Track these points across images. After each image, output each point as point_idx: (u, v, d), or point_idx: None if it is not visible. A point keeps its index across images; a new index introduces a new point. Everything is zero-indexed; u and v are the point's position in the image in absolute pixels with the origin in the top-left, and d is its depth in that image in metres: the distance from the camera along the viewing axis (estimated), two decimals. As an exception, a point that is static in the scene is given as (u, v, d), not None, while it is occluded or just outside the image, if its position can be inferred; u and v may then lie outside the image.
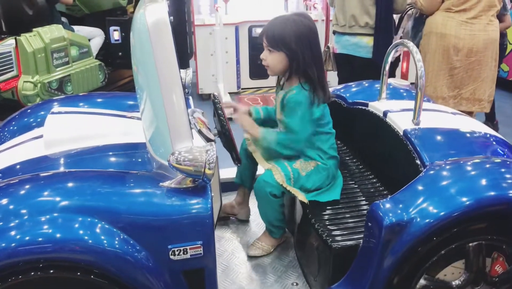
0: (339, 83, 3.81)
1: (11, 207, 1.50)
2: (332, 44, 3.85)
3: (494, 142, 2.06)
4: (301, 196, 2.04)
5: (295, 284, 2.04)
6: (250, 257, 2.17)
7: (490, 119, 4.47)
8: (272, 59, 2.03)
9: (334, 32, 3.81)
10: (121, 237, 1.50)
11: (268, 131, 2.08)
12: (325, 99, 2.06)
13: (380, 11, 3.53)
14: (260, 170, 2.27)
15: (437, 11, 3.42)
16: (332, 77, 4.58)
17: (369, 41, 3.61)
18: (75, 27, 5.06)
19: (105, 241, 1.47)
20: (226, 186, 2.51)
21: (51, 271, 1.47)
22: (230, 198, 2.49)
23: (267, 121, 2.27)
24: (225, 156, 2.17)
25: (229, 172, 2.51)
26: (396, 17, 4.04)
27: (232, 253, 2.21)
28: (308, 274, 2.05)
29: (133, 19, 1.80)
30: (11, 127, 2.30)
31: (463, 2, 3.31)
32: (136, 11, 1.77)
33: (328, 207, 2.07)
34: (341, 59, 3.79)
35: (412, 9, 4.02)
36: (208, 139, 1.83)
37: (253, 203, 2.42)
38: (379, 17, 3.54)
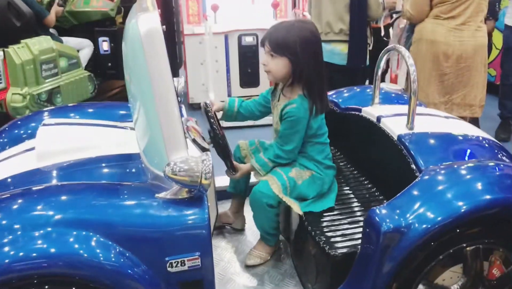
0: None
1: (3, 222, 1.47)
2: None
3: (488, 146, 2.08)
4: (296, 207, 2.03)
5: None
6: (247, 266, 2.15)
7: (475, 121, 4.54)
8: (275, 64, 2.00)
9: None
10: (117, 250, 1.48)
11: (258, 159, 2.09)
12: (322, 110, 2.05)
13: (354, 18, 3.57)
14: (254, 178, 2.25)
15: (426, 19, 3.46)
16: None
17: (343, 48, 3.65)
18: (64, 38, 5.03)
19: (100, 255, 1.45)
20: (221, 194, 2.49)
21: (46, 287, 1.44)
22: (225, 206, 2.47)
23: (242, 114, 2.26)
24: (220, 162, 2.17)
25: (223, 179, 2.49)
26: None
27: (229, 262, 2.19)
28: (306, 282, 2.03)
29: (125, 29, 1.80)
30: (1, 140, 2.27)
31: (451, 10, 3.35)
32: (127, 21, 1.76)
33: (324, 214, 2.06)
34: None
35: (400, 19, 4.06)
36: (202, 149, 1.81)
37: (248, 211, 2.40)
38: (353, 23, 3.58)
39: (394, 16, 4.59)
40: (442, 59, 3.40)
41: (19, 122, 2.40)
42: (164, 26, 1.63)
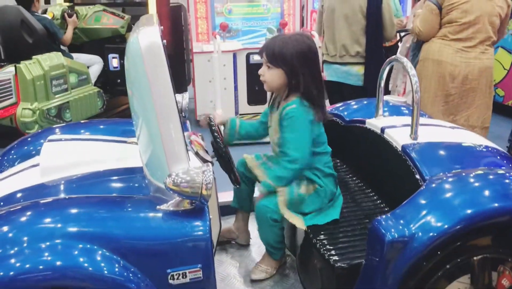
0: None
1: (9, 234, 1.48)
2: (322, 73, 3.91)
3: (493, 155, 2.06)
4: (299, 223, 2.02)
5: None
6: (253, 281, 2.14)
7: None
8: (270, 75, 2.03)
9: (324, 62, 3.85)
10: (120, 263, 1.48)
11: (265, 170, 2.04)
12: (321, 118, 2.05)
13: (370, 40, 3.58)
14: (257, 193, 2.25)
15: (433, 38, 3.47)
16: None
17: (359, 69, 3.65)
18: (74, 55, 5.11)
19: (104, 268, 1.45)
20: (225, 210, 2.48)
21: None
22: (230, 222, 2.46)
23: (244, 136, 2.26)
24: (223, 178, 2.17)
25: (227, 195, 2.49)
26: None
27: (234, 277, 2.17)
28: None
29: (126, 45, 1.82)
30: (11, 156, 2.29)
31: (459, 31, 3.36)
32: (129, 37, 1.79)
33: (329, 226, 2.05)
34: (331, 87, 3.82)
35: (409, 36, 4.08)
36: (205, 162, 1.82)
37: (252, 227, 2.40)
38: (370, 45, 3.59)
39: (402, 34, 4.62)
40: (448, 79, 3.41)
41: (28, 139, 2.41)
42: (165, 41, 1.65)
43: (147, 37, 1.57)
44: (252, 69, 5.74)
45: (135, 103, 1.86)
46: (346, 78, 3.73)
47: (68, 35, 5.01)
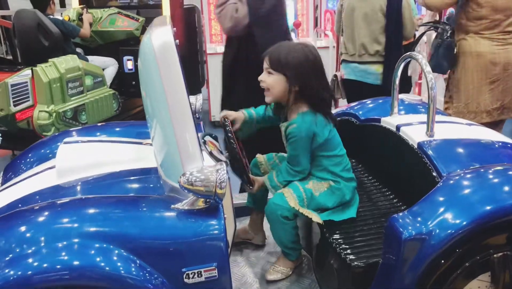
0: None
1: (26, 234, 1.49)
2: (341, 72, 3.89)
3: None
4: (315, 218, 2.01)
5: None
6: (269, 282, 2.12)
7: None
8: (272, 80, 2.00)
9: (343, 61, 3.84)
10: (137, 262, 1.49)
11: (271, 179, 2.10)
12: (331, 123, 2.05)
13: (390, 39, 3.56)
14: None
15: (465, 36, 3.45)
16: (342, 103, 4.59)
17: (378, 68, 3.63)
18: (90, 57, 5.15)
19: (121, 268, 1.46)
20: (240, 210, 2.47)
21: None
22: (245, 223, 2.46)
23: (261, 122, 2.25)
24: (238, 180, 2.17)
25: (242, 196, 2.48)
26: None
27: (250, 278, 2.17)
28: None
29: (140, 45, 1.83)
30: (28, 159, 2.31)
31: (492, 27, 3.35)
32: (142, 38, 1.80)
33: (345, 226, 2.03)
34: (349, 85, 3.81)
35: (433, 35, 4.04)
36: (219, 161, 1.82)
37: (267, 227, 2.39)
38: (389, 44, 3.56)
39: (416, 34, 4.57)
40: (490, 67, 3.40)
41: (46, 141, 2.44)
42: (177, 41, 1.66)
43: (160, 37, 1.59)
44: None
45: (149, 104, 1.87)
46: (364, 77, 3.71)
47: (85, 29, 5.06)
